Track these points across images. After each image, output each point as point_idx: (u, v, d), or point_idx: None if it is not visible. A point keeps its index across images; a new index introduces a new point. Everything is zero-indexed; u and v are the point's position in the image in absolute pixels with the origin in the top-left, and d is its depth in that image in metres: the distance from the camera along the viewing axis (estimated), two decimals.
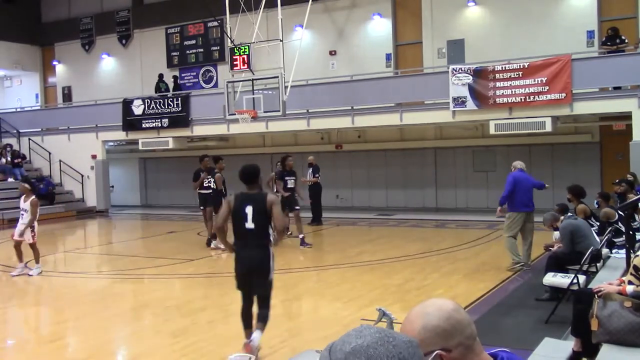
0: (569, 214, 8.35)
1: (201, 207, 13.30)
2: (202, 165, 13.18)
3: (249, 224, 5.82)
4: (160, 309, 8.17)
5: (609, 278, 5.85)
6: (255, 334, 5.90)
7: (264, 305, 6.00)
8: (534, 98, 14.59)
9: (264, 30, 15.82)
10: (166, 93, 21.19)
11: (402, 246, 12.56)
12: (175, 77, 22.37)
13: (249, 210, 5.81)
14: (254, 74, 15.07)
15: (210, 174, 12.88)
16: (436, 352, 1.63)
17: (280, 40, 14.54)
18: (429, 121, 16.74)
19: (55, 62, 26.38)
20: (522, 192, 9.73)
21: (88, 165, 22.16)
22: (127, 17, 24.37)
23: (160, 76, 22.24)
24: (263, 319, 5.98)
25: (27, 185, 11.19)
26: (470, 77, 15.19)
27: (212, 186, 12.85)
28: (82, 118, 22.22)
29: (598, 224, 8.73)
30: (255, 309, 6.05)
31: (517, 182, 9.76)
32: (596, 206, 9.69)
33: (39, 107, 25.79)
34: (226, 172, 20.84)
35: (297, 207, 13.37)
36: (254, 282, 5.98)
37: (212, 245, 12.74)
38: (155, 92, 21.68)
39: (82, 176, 22.28)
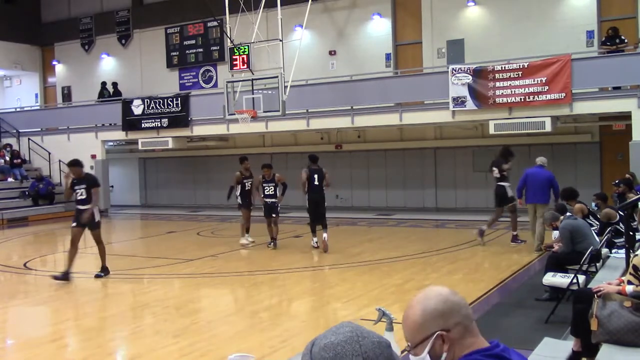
0: (568, 214, 8.34)
1: (74, 224, 10.15)
2: (75, 174, 9.99)
3: (316, 182, 12.05)
4: (160, 309, 8.17)
5: (608, 278, 5.85)
6: (326, 235, 12.02)
7: (325, 219, 12.22)
8: (533, 98, 14.59)
9: (263, 30, 15.84)
10: (110, 99, 22.50)
11: (402, 246, 12.56)
12: (114, 84, 23.31)
13: (315, 176, 12.07)
14: (253, 74, 15.07)
15: (86, 182, 9.99)
16: (437, 332, 1.76)
17: (280, 40, 14.55)
18: (428, 121, 16.74)
19: (55, 62, 26.38)
20: (531, 186, 11.16)
21: (87, 165, 22.04)
22: (126, 17, 24.37)
23: (103, 84, 23.42)
24: (325, 227, 12.14)
25: None
26: (470, 77, 15.19)
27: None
28: (82, 118, 22.22)
29: (598, 224, 8.74)
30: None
31: (527, 177, 11.26)
32: (595, 208, 9.72)
33: (38, 107, 25.79)
34: (226, 171, 20.83)
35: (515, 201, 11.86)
36: (320, 209, 12.16)
37: (244, 242, 13.13)
38: (99, 97, 23.17)
39: None
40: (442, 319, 1.77)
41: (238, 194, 13.20)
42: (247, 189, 13.12)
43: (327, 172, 12.29)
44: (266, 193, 12.69)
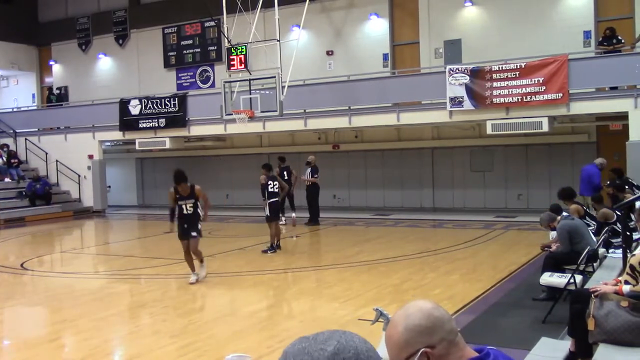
0: (565, 214, 8.36)
1: None
2: None
3: (286, 177, 14.96)
4: (158, 309, 8.17)
5: (605, 278, 5.86)
6: (294, 214, 15.33)
7: (293, 203, 15.83)
8: (530, 98, 14.61)
9: (261, 30, 15.81)
10: (59, 104, 23.96)
11: (400, 246, 12.57)
12: (59, 89, 24.86)
13: (285, 172, 15.03)
14: (251, 74, 15.06)
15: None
16: (421, 350, 1.70)
17: (278, 40, 14.55)
18: (426, 121, 16.75)
19: (52, 62, 26.34)
20: (581, 181, 12.83)
21: (85, 165, 22.12)
22: (124, 17, 24.34)
23: (50, 90, 24.91)
24: (294, 209, 15.28)
25: None
26: (467, 77, 15.21)
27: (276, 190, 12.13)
28: (79, 118, 22.19)
29: (595, 224, 8.75)
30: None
31: (582, 172, 13.13)
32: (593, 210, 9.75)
33: (35, 107, 25.75)
34: (224, 172, 20.88)
35: None
36: (288, 197, 14.52)
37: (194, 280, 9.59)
38: (48, 102, 24.44)
39: (79, 176, 22.25)
40: (426, 335, 1.71)
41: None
42: (185, 212, 9.61)
43: (293, 169, 14.71)
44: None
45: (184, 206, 9.58)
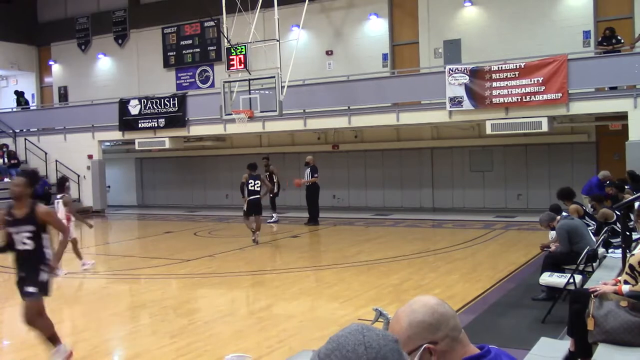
0: (564, 214, 8.36)
1: None
2: None
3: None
4: (157, 309, 8.16)
5: (605, 278, 5.86)
6: (276, 216, 16.71)
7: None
8: (530, 98, 14.62)
9: (260, 30, 15.82)
10: (26, 106, 24.82)
11: (399, 246, 12.57)
12: (22, 93, 25.26)
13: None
14: (250, 74, 15.07)
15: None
16: (424, 345, 1.72)
17: (277, 40, 14.56)
18: (425, 121, 16.76)
19: (51, 62, 26.34)
20: (585, 185, 13.37)
21: (84, 166, 22.11)
22: (123, 16, 24.34)
23: (16, 92, 25.19)
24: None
25: None
26: (467, 77, 15.21)
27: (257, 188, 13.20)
28: (79, 118, 22.19)
29: (594, 224, 8.76)
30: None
31: (586, 183, 13.48)
32: (592, 210, 9.74)
33: (35, 107, 25.75)
34: (223, 172, 20.90)
35: None
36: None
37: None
38: (17, 105, 24.82)
39: (79, 176, 22.24)
40: (430, 331, 1.72)
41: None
42: (21, 248, 5.81)
43: (262, 178, 13.64)
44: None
45: (15, 237, 5.65)
